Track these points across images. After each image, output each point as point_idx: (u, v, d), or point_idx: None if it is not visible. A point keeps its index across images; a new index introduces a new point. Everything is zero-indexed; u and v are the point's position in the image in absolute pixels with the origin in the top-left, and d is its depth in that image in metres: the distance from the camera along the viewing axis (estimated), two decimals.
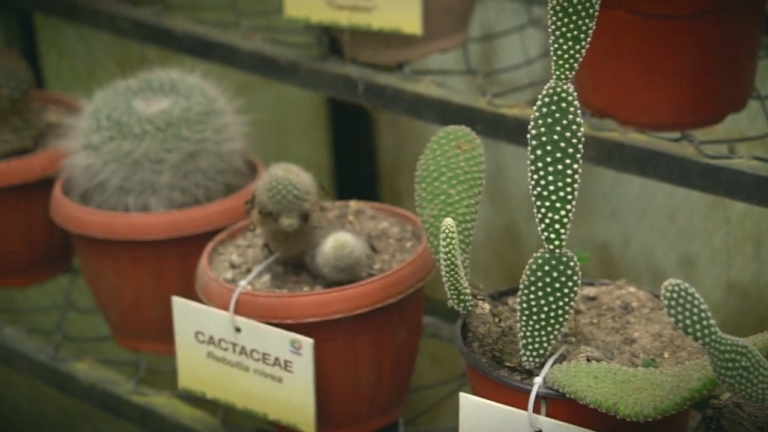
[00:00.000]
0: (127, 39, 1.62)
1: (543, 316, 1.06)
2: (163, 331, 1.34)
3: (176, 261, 1.37)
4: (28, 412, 2.00)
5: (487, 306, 1.10)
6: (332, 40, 1.44)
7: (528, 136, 1.03)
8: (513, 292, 1.17)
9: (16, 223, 1.50)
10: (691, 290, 0.90)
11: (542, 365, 1.07)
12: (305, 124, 2.10)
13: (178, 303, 1.24)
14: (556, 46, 1.01)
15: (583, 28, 1.00)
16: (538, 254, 1.05)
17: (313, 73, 1.42)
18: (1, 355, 1.49)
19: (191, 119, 1.38)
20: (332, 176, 2.09)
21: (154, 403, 1.36)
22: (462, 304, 1.09)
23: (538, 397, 1.04)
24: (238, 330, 1.21)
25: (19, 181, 1.48)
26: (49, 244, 1.52)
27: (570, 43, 1.01)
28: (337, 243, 1.19)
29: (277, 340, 1.19)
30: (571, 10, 1.00)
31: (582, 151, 1.03)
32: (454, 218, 1.11)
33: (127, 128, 1.37)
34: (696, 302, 0.90)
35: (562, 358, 1.08)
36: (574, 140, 1.03)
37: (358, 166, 2.08)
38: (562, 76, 1.02)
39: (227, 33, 1.51)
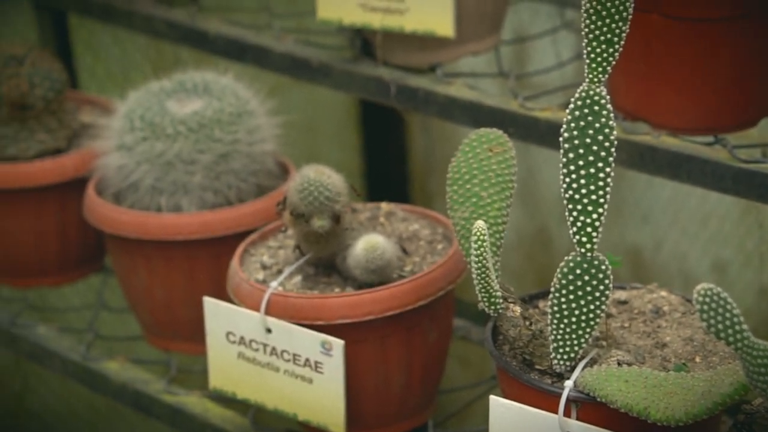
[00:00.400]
0: (161, 40, 1.63)
1: (574, 319, 1.06)
2: (195, 331, 1.34)
3: (208, 261, 1.37)
4: (60, 411, 2.01)
5: (518, 309, 1.10)
6: (364, 42, 1.44)
7: (560, 139, 1.03)
8: (544, 295, 1.17)
9: (49, 222, 1.51)
10: (724, 295, 0.89)
11: (573, 369, 1.07)
12: (337, 126, 2.10)
13: (210, 303, 1.25)
14: (589, 49, 1.01)
15: (617, 31, 1.00)
16: (570, 257, 1.05)
17: (345, 75, 1.42)
18: (33, 353, 1.50)
19: (224, 120, 1.39)
20: (363, 178, 2.09)
21: (185, 402, 1.36)
22: (493, 307, 1.09)
23: (568, 400, 1.04)
24: (268, 331, 1.22)
25: (53, 181, 1.48)
26: (82, 243, 1.53)
27: (603, 46, 1.01)
28: (368, 245, 1.20)
29: (307, 341, 1.20)
30: (604, 13, 1.00)
31: (614, 154, 1.03)
32: (485, 221, 1.11)
33: (160, 129, 1.37)
34: (728, 307, 0.89)
35: (592, 362, 1.08)
36: (607, 143, 1.03)
37: (389, 168, 2.08)
38: (595, 80, 1.02)
39: (260, 35, 1.51)
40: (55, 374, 1.53)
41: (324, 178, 1.20)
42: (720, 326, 0.90)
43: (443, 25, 1.35)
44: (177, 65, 1.64)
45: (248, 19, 1.58)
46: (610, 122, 1.02)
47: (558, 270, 1.05)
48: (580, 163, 1.03)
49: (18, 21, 1.86)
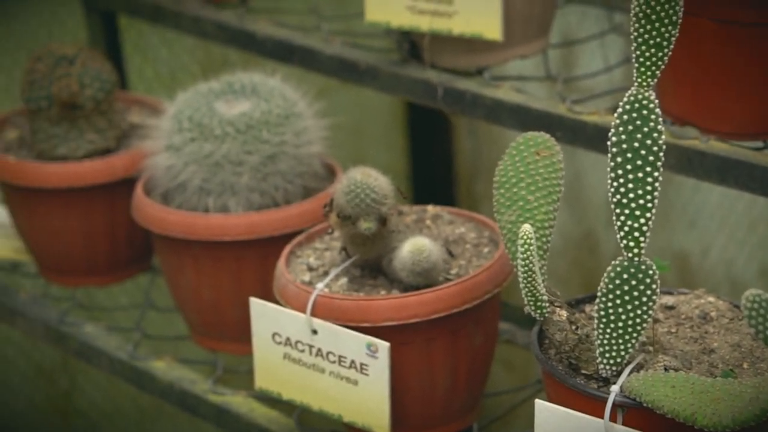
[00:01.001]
0: (209, 41, 1.64)
1: (621, 324, 1.05)
2: (241, 332, 1.35)
3: (254, 262, 1.38)
4: (107, 409, 2.02)
5: (564, 313, 1.10)
6: (412, 44, 1.44)
7: (608, 143, 1.03)
8: (590, 299, 1.17)
9: (98, 222, 1.52)
10: None
11: (619, 373, 1.07)
12: (383, 129, 2.11)
13: (256, 304, 1.25)
14: (638, 53, 1.01)
15: (666, 35, 1.00)
16: (617, 262, 1.05)
17: (392, 78, 1.43)
18: (81, 352, 1.51)
19: (271, 122, 1.39)
20: (409, 181, 2.10)
21: (231, 402, 1.37)
22: (539, 311, 1.09)
23: (614, 405, 1.04)
24: (314, 332, 1.22)
25: (102, 181, 1.50)
26: (130, 243, 1.54)
27: (652, 50, 1.00)
28: (414, 247, 1.20)
29: (353, 343, 1.20)
30: (654, 17, 0.99)
31: (663, 159, 1.03)
32: (532, 224, 1.11)
33: (208, 130, 1.38)
34: None
35: (639, 367, 1.07)
36: (655, 148, 1.02)
37: (435, 170, 2.08)
38: (644, 84, 1.02)
39: (308, 36, 1.52)
40: (102, 373, 1.55)
41: (371, 180, 1.21)
42: None
43: (491, 28, 1.35)
44: (225, 66, 1.66)
45: (296, 21, 1.59)
46: (659, 126, 1.02)
47: (605, 274, 1.05)
48: (628, 167, 1.03)
49: (69, 22, 1.88)
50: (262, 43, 1.53)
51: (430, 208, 1.33)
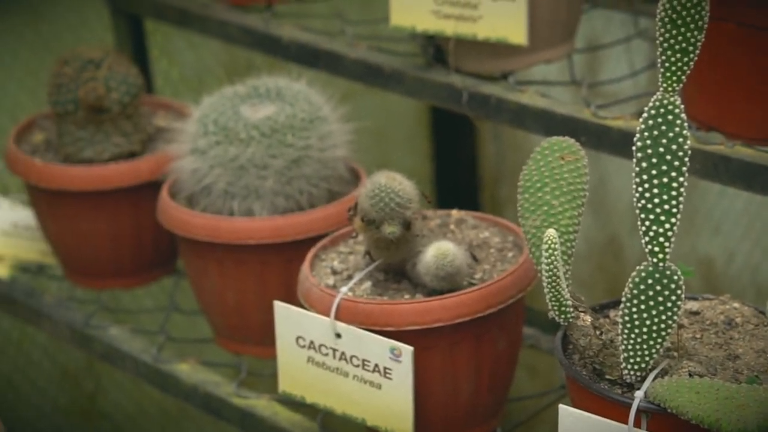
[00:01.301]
0: (234, 45, 1.64)
1: (645, 329, 1.05)
2: (265, 335, 1.35)
3: (279, 266, 1.38)
4: (131, 411, 2.03)
5: (588, 318, 1.10)
6: (437, 49, 1.44)
7: (633, 148, 1.03)
8: (614, 304, 1.17)
9: (124, 225, 1.52)
10: None
11: (643, 379, 1.07)
12: (408, 133, 2.11)
13: (280, 307, 1.26)
14: (663, 58, 1.01)
15: (692, 40, 1.00)
16: (642, 267, 1.04)
17: (417, 82, 1.43)
18: (106, 354, 1.52)
19: (296, 126, 1.40)
20: (433, 185, 2.10)
21: (254, 405, 1.37)
22: (563, 316, 1.09)
23: (639, 411, 1.03)
24: (338, 336, 1.22)
25: (128, 184, 1.50)
26: (155, 246, 1.55)
27: (678, 55, 1.00)
28: (438, 252, 1.20)
29: (376, 347, 1.20)
30: (680, 22, 0.99)
31: (688, 164, 1.02)
32: (556, 229, 1.11)
33: (233, 134, 1.39)
34: None
35: (663, 373, 1.07)
36: (681, 153, 1.02)
37: (459, 175, 2.08)
38: (670, 89, 1.01)
39: (333, 41, 1.52)
40: (126, 375, 1.55)
41: (395, 184, 1.21)
42: None
43: (516, 32, 1.35)
44: (250, 70, 1.66)
45: (321, 25, 1.59)
46: (684, 132, 1.02)
47: (629, 279, 1.05)
48: (653, 172, 1.02)
49: (95, 25, 1.89)
50: (288, 48, 1.54)
51: (455, 213, 1.33)
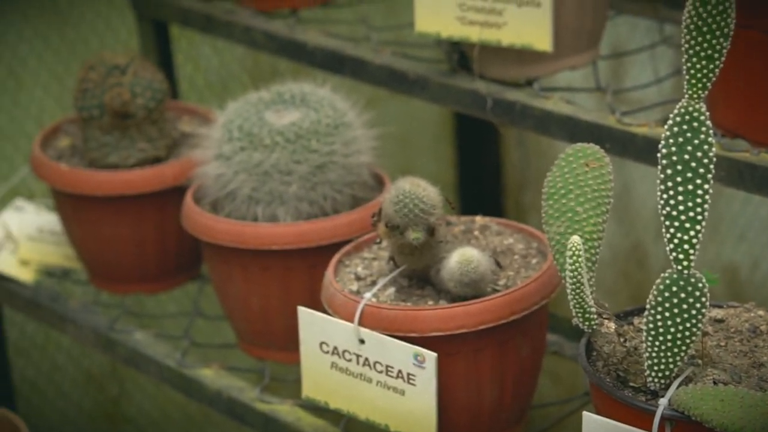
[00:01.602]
0: (259, 51, 1.65)
1: (669, 337, 1.05)
2: (289, 341, 1.35)
3: (303, 271, 1.38)
4: (155, 416, 2.04)
5: (612, 325, 1.09)
6: (461, 55, 1.44)
7: (658, 155, 1.03)
8: (639, 312, 1.16)
9: (148, 230, 1.53)
10: None
11: (668, 386, 1.06)
12: (432, 139, 2.11)
13: (304, 313, 1.26)
14: (689, 65, 1.00)
15: (717, 47, 1.00)
16: (666, 274, 1.04)
17: (441, 88, 1.43)
18: (130, 359, 1.52)
19: (321, 132, 1.40)
20: (457, 191, 2.10)
21: (278, 411, 1.37)
22: (587, 323, 1.09)
23: (663, 418, 1.03)
24: (362, 341, 1.22)
25: (152, 189, 1.51)
26: (179, 251, 1.55)
27: (703, 62, 1.00)
28: (462, 258, 1.20)
29: (400, 353, 1.20)
30: (705, 29, 0.99)
31: (713, 171, 1.02)
32: (580, 236, 1.11)
33: (258, 139, 1.39)
34: None
35: (688, 380, 1.07)
36: (706, 160, 1.02)
37: (483, 181, 2.08)
38: (695, 96, 1.01)
39: (358, 47, 1.52)
40: (150, 380, 1.56)
41: (419, 190, 1.21)
42: None
43: (541, 39, 1.35)
44: (275, 76, 1.66)
45: (346, 31, 1.59)
46: (709, 139, 1.02)
47: (654, 287, 1.05)
48: (678, 179, 1.02)
49: (121, 31, 1.90)
50: (312, 53, 1.54)
51: (479, 219, 1.33)
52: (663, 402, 1.04)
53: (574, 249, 1.03)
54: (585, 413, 1.06)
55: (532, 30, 1.35)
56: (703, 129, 1.01)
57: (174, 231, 1.51)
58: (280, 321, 1.40)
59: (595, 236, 1.12)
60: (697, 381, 1.06)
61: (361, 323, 1.22)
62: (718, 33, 0.99)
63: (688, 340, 1.05)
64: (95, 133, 1.53)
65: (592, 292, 1.10)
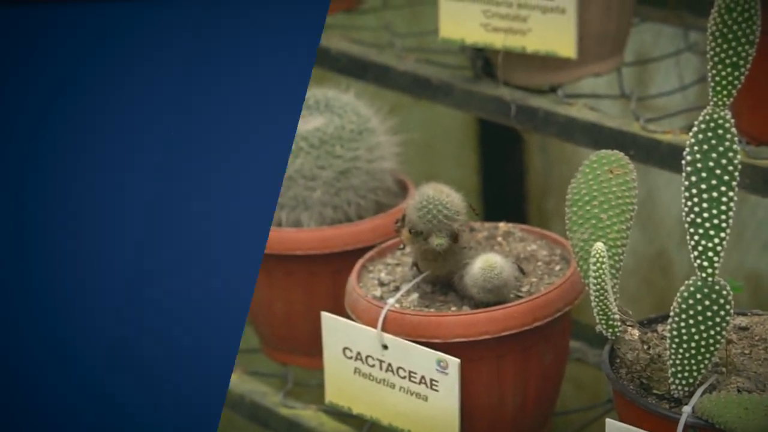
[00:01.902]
0: None
1: (693, 344, 1.05)
2: (312, 346, 1.35)
3: (326, 277, 1.39)
4: None
5: (636, 332, 1.09)
6: (485, 61, 1.44)
7: (683, 162, 1.03)
8: (662, 319, 1.16)
9: None
10: None
11: (691, 394, 1.06)
12: (455, 145, 2.11)
13: (327, 318, 1.26)
14: (714, 72, 1.00)
15: (743, 54, 0.99)
16: (690, 282, 1.04)
17: (465, 94, 1.43)
18: None
19: (345, 137, 1.40)
20: (480, 197, 2.09)
21: (301, 416, 1.38)
22: (610, 330, 1.09)
23: (686, 426, 1.03)
24: (385, 347, 1.22)
25: None
26: None
27: (728, 69, 1.00)
28: (485, 264, 1.20)
29: (423, 359, 1.20)
30: (730, 36, 0.99)
31: (738, 178, 1.02)
32: (604, 243, 1.11)
33: None
34: None
35: (711, 388, 1.06)
36: (731, 168, 1.02)
37: (506, 187, 2.08)
38: (720, 103, 1.01)
39: (382, 53, 1.53)
40: None
41: (443, 196, 1.21)
42: None
43: (565, 45, 1.35)
44: None
45: (370, 38, 1.60)
46: (735, 146, 1.01)
47: (678, 294, 1.04)
48: (703, 186, 1.02)
49: None
50: (336, 59, 1.54)
51: (502, 225, 1.33)
52: (687, 410, 1.03)
53: (598, 256, 1.03)
54: (608, 420, 1.06)
55: (556, 37, 1.35)
56: (728, 136, 1.01)
57: None
58: (304, 326, 1.40)
59: (619, 243, 1.12)
60: (721, 389, 1.06)
61: (384, 329, 1.22)
62: (743, 40, 0.99)
63: (712, 348, 1.05)
64: None
65: (615, 299, 1.09)
